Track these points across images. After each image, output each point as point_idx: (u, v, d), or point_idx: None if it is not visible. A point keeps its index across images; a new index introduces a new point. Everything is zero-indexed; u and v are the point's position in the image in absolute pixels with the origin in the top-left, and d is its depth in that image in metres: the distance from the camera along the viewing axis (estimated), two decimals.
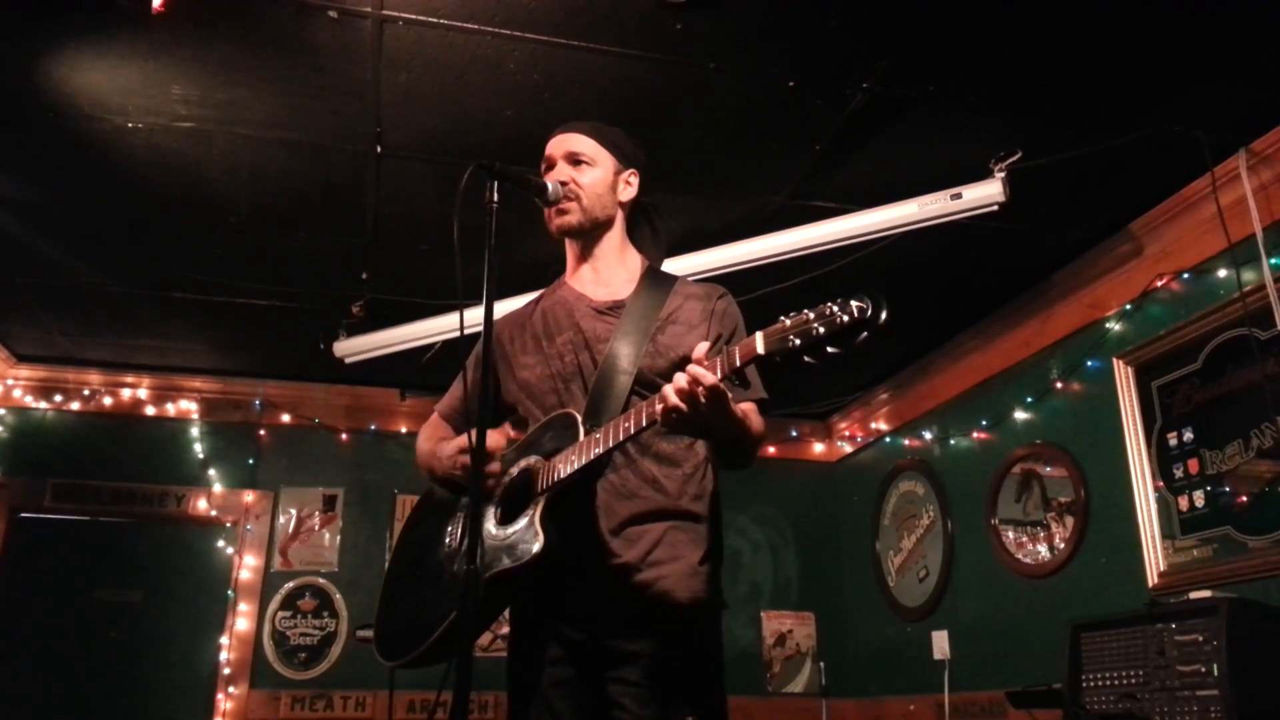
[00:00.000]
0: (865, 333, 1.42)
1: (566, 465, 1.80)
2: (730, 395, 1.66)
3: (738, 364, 1.57)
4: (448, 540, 1.99)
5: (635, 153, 2.16)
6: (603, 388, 1.91)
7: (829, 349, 1.45)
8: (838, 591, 5.88)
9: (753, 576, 5.83)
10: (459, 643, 1.55)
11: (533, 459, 1.90)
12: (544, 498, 1.81)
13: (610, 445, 1.74)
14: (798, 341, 1.46)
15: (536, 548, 1.74)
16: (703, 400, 1.59)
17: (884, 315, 1.40)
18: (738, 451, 1.88)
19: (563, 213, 2.05)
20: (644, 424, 1.69)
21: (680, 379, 1.61)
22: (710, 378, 1.58)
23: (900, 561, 5.32)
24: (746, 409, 1.87)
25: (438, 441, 2.11)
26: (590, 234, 2.09)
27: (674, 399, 1.61)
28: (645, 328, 1.97)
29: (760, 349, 1.52)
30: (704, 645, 1.88)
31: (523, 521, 1.81)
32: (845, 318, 1.41)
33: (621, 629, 1.81)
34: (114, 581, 5.21)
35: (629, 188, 2.13)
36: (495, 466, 1.90)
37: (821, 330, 1.44)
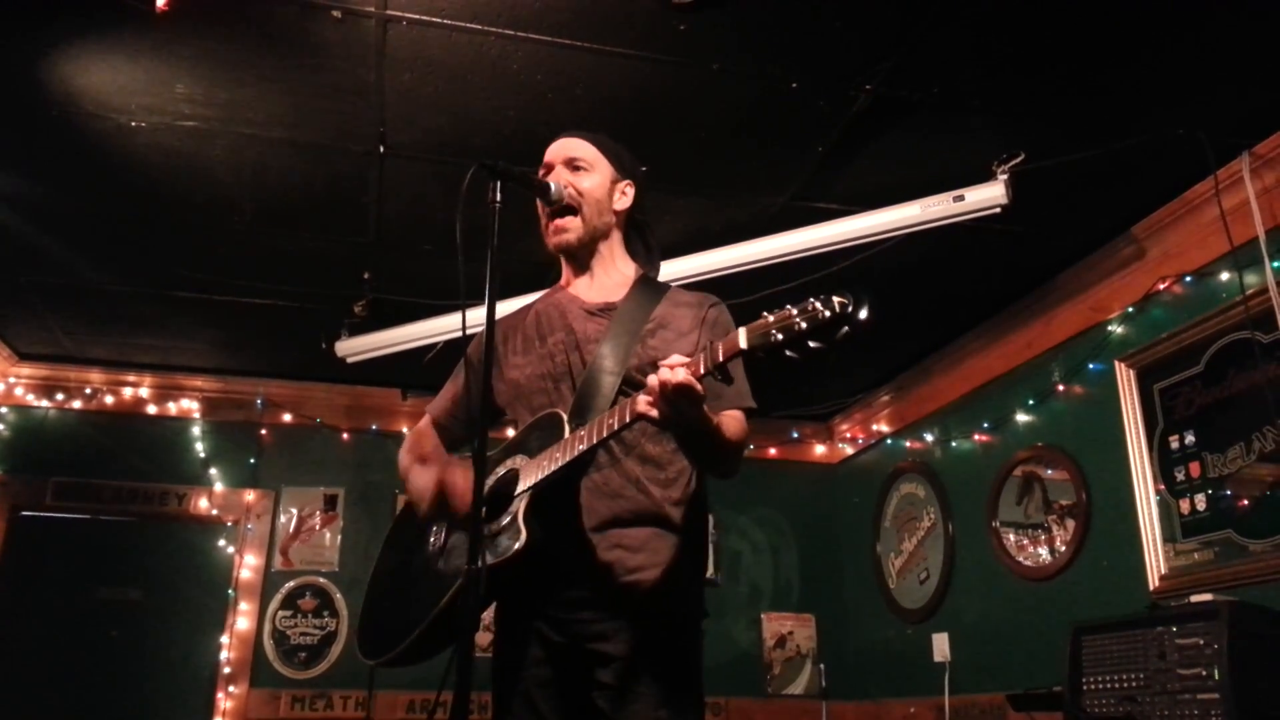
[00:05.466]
0: (846, 328, 1.43)
1: (550, 463, 1.81)
2: (709, 392, 1.65)
3: (721, 359, 1.56)
4: (431, 540, 2.00)
5: (633, 166, 2.16)
6: (589, 388, 1.92)
7: (810, 344, 1.46)
8: (838, 593, 5.87)
9: (753, 578, 5.82)
10: (459, 640, 1.55)
11: (518, 458, 1.91)
12: (527, 495, 1.82)
13: (593, 442, 1.74)
14: (779, 336, 1.47)
15: (519, 544, 1.75)
16: (672, 394, 1.58)
17: (865, 311, 1.41)
18: (710, 455, 1.86)
19: (561, 230, 2.05)
20: (627, 420, 1.69)
21: (654, 378, 1.60)
22: (681, 373, 1.57)
23: (901, 563, 5.32)
24: (727, 415, 1.86)
25: (415, 461, 2.11)
26: (588, 247, 2.09)
27: (645, 398, 1.62)
28: (635, 330, 1.97)
29: (743, 344, 1.52)
30: (682, 651, 1.87)
31: (506, 519, 1.81)
32: (827, 313, 1.42)
33: (600, 631, 1.81)
34: (115, 580, 5.21)
35: (624, 198, 2.12)
36: (459, 505, 1.90)
37: (804, 325, 1.44)
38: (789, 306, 1.47)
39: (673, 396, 1.59)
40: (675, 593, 1.85)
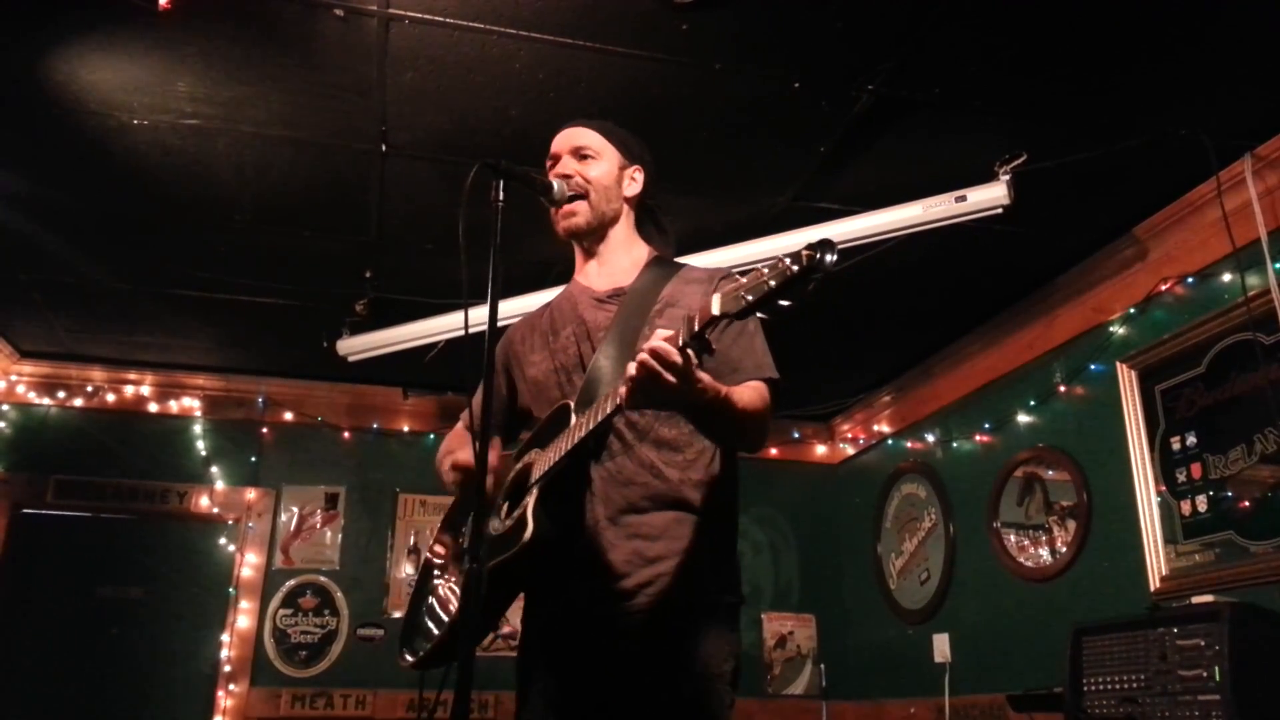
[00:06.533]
0: (813, 280, 1.41)
1: (555, 453, 1.80)
2: (725, 365, 1.62)
3: (696, 329, 1.53)
4: (461, 540, 2.01)
5: (641, 151, 2.16)
6: (595, 374, 1.90)
7: (781, 302, 1.44)
8: (839, 593, 5.87)
9: (754, 578, 5.81)
10: (460, 640, 1.55)
11: (533, 451, 1.91)
12: (536, 488, 1.81)
13: (590, 428, 1.73)
14: (750, 298, 1.45)
15: (526, 537, 1.74)
16: (660, 371, 1.54)
17: (831, 258, 1.39)
18: (716, 427, 1.82)
19: (570, 214, 2.04)
20: (618, 402, 1.65)
21: (641, 354, 1.57)
22: (666, 347, 1.54)
23: (902, 564, 5.32)
24: (744, 386, 1.83)
25: (447, 453, 2.11)
26: (596, 232, 2.09)
27: (630, 370, 1.58)
28: (643, 312, 1.95)
29: (716, 310, 1.50)
30: (708, 638, 1.81)
31: (517, 513, 1.81)
32: (795, 267, 1.40)
33: (623, 625, 1.80)
34: (116, 578, 5.21)
35: (634, 184, 2.12)
36: (491, 481, 1.88)
37: (773, 283, 1.43)
38: (760, 266, 1.46)
39: (654, 371, 1.54)
40: (697, 579, 1.82)
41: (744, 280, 1.47)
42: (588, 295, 2.06)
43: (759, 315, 1.48)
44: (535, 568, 1.80)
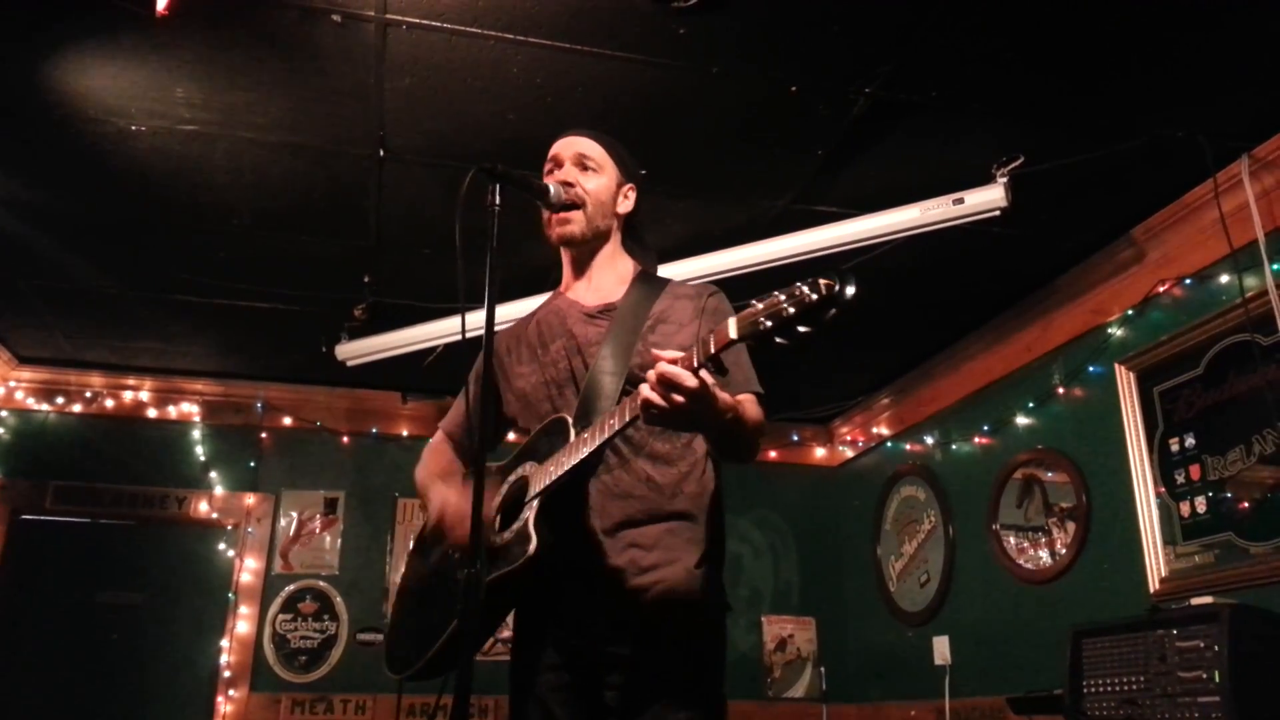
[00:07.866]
0: (834, 309, 1.42)
1: (557, 467, 1.81)
2: (714, 383, 1.64)
3: (712, 351, 1.55)
4: (450, 552, 1.99)
5: (636, 170, 2.18)
6: (593, 390, 1.91)
7: (799, 328, 1.45)
8: (839, 596, 5.87)
9: (753, 581, 5.82)
10: (460, 648, 1.55)
11: (528, 464, 1.91)
12: (537, 501, 1.81)
13: (597, 443, 1.74)
14: (769, 323, 1.46)
15: (530, 549, 1.74)
16: (679, 397, 1.57)
17: (851, 290, 1.41)
18: (733, 443, 1.85)
19: (565, 222, 2.04)
20: (627, 419, 1.68)
21: (651, 375, 1.58)
22: (687, 377, 1.55)
23: (901, 566, 5.32)
24: (743, 399, 1.85)
25: (432, 477, 2.12)
26: (589, 244, 2.09)
27: (646, 393, 1.59)
28: (635, 328, 1.97)
29: (733, 334, 1.51)
30: (702, 650, 1.85)
31: (517, 526, 1.81)
32: (814, 296, 1.42)
33: (618, 634, 1.81)
34: (115, 584, 5.21)
35: (626, 201, 2.13)
36: (459, 536, 1.89)
37: (791, 310, 1.44)
38: (776, 293, 1.47)
39: (676, 395, 1.56)
40: (692, 590, 1.83)
41: (760, 305, 1.48)
42: (576, 309, 2.07)
43: (778, 340, 1.47)
44: (534, 580, 1.80)
